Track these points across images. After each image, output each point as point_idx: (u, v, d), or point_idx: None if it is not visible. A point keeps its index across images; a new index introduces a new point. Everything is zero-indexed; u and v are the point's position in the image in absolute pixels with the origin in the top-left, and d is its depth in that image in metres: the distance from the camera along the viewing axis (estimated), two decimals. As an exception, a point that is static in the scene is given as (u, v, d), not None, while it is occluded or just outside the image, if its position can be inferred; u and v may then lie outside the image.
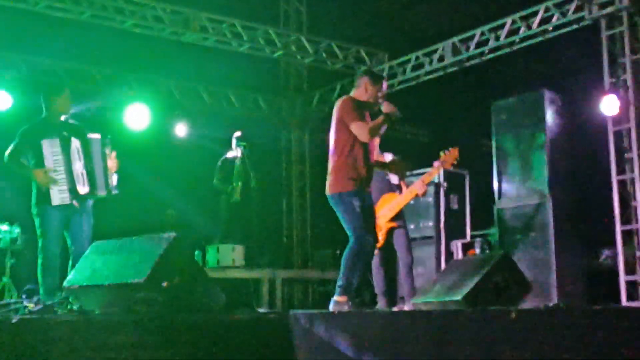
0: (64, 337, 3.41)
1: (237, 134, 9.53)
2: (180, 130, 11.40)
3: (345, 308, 5.18)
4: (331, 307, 5.28)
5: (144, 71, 11.82)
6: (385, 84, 5.75)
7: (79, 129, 6.11)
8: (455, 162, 6.89)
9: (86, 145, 6.00)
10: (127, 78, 11.73)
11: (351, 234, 5.43)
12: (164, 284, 4.28)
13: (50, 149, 5.86)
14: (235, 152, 9.39)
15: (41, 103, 6.09)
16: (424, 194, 7.12)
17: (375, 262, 6.89)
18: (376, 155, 5.88)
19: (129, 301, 4.23)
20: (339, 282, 5.38)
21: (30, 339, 3.35)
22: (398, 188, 7.12)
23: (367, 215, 5.50)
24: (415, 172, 9.87)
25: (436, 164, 6.95)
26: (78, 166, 5.93)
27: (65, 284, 4.85)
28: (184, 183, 10.80)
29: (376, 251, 6.88)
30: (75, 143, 5.95)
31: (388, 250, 7.02)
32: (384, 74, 9.52)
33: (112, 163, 6.14)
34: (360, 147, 5.51)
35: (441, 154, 6.89)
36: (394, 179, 7.10)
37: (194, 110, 12.15)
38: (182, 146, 11.30)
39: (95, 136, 6.12)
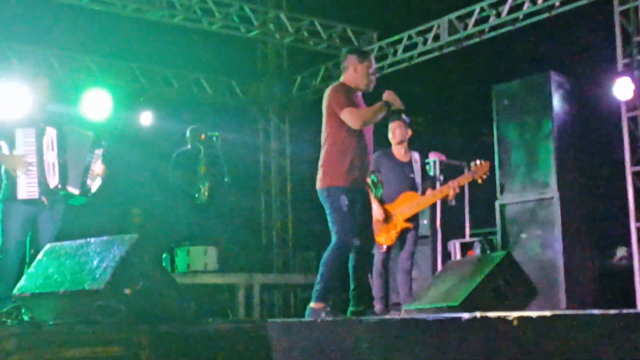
0: (13, 351, 3.39)
1: (193, 127, 9.59)
2: (146, 119, 11.37)
3: (322, 315, 5.22)
4: (307, 315, 5.35)
5: (104, 53, 11.77)
6: (373, 59, 5.79)
7: (60, 121, 6.16)
8: (485, 176, 7.18)
9: (63, 137, 6.06)
10: (85, 61, 11.69)
11: (334, 234, 5.47)
12: (126, 291, 4.27)
13: (24, 138, 5.95)
14: (189, 146, 9.50)
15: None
16: (453, 197, 7.25)
17: (379, 262, 7.14)
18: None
19: (86, 310, 4.22)
20: (316, 287, 5.44)
21: (-25, 353, 3.33)
22: (421, 188, 7.30)
23: (357, 216, 5.52)
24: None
25: (467, 174, 7.23)
26: (50, 156, 6.01)
27: (15, 291, 4.83)
28: (150, 178, 10.76)
29: (383, 250, 7.07)
30: (50, 133, 6.03)
31: (396, 251, 7.22)
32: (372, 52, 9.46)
33: (98, 167, 6.25)
34: (353, 139, 5.54)
35: (472, 164, 7.18)
36: (417, 177, 7.31)
37: (161, 97, 12.14)
38: (147, 137, 11.26)
39: (88, 133, 6.29)
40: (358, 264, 5.55)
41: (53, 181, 5.99)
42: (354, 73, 5.69)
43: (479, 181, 7.26)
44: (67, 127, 6.18)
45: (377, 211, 7.02)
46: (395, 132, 7.33)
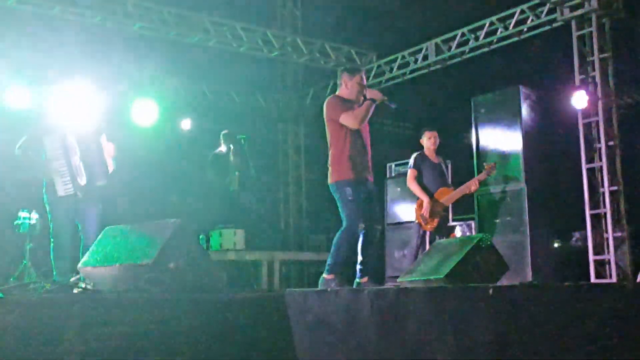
0: (78, 314, 3.41)
1: (225, 131, 9.61)
2: (185, 124, 11.40)
3: (332, 285, 5.24)
4: (320, 284, 5.37)
5: (152, 70, 11.78)
6: (364, 74, 5.74)
7: (76, 125, 6.06)
8: (494, 172, 7.58)
9: (80, 139, 5.96)
10: (136, 77, 11.69)
11: (344, 220, 5.46)
12: (171, 266, 4.28)
13: (51, 145, 5.86)
14: (223, 148, 9.49)
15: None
16: (477, 191, 7.61)
17: (418, 244, 7.30)
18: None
19: (138, 281, 4.23)
20: (328, 262, 5.46)
21: (48, 315, 3.34)
22: (450, 184, 7.50)
23: (362, 203, 5.48)
24: (402, 162, 9.92)
25: (485, 172, 7.50)
26: (75, 160, 5.91)
27: (80, 265, 4.85)
28: (189, 172, 10.78)
29: (426, 234, 7.26)
30: (71, 138, 5.92)
31: (435, 235, 7.28)
32: (364, 68, 9.40)
33: (107, 150, 6.09)
34: (352, 139, 5.51)
35: (485, 165, 7.62)
36: (447, 176, 7.59)
37: (198, 106, 12.14)
38: (186, 139, 11.29)
39: (88, 129, 6.08)
40: (364, 243, 5.50)
41: (82, 180, 5.90)
42: (345, 88, 5.66)
43: (492, 175, 7.65)
44: (77, 132, 5.98)
45: (427, 205, 7.16)
46: (431, 139, 7.46)
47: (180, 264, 4.32)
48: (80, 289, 4.47)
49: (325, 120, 5.63)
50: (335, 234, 5.51)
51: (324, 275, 5.42)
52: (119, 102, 10.88)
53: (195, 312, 3.82)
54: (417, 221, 7.36)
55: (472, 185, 7.35)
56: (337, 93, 5.73)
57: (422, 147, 7.55)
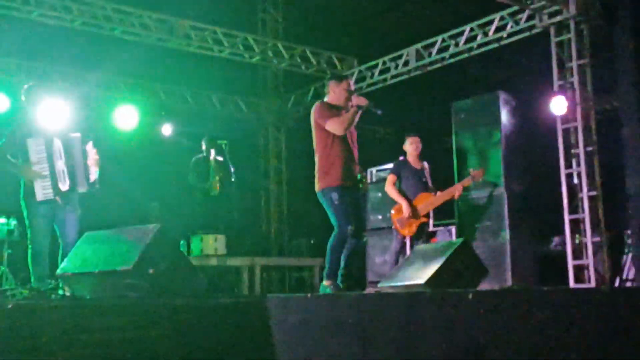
0: (56, 321, 3.38)
1: (206, 138, 9.62)
2: (166, 130, 11.37)
3: (328, 290, 5.30)
4: (320, 290, 5.48)
5: (132, 75, 11.74)
6: (351, 81, 5.79)
7: (62, 129, 6.00)
8: (480, 179, 7.63)
9: (67, 144, 5.90)
10: (116, 81, 11.66)
11: (334, 225, 5.51)
12: (150, 271, 4.26)
13: (35, 148, 5.78)
14: (205, 153, 9.48)
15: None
16: (459, 197, 7.63)
17: (397, 250, 7.30)
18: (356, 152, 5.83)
19: (117, 287, 4.21)
20: (325, 268, 5.54)
21: (26, 322, 3.31)
22: (433, 190, 7.46)
23: (348, 207, 5.53)
24: (383, 167, 9.95)
25: (470, 177, 7.53)
26: (59, 164, 5.84)
27: (58, 271, 4.82)
28: (170, 178, 10.74)
29: (406, 239, 7.27)
30: (57, 142, 5.86)
31: (415, 241, 7.30)
32: (349, 75, 9.41)
33: (92, 160, 6.02)
34: (337, 145, 5.55)
35: (470, 170, 7.59)
36: (429, 181, 7.48)
37: (179, 111, 12.11)
38: (167, 144, 11.26)
39: (76, 135, 6.00)
40: (349, 250, 5.54)
41: (64, 186, 5.83)
42: (333, 94, 5.71)
43: (477, 182, 7.70)
44: (64, 136, 5.93)
45: (405, 209, 7.11)
46: (413, 145, 7.49)
47: (160, 269, 4.31)
48: (59, 296, 4.44)
49: (312, 125, 5.66)
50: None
51: (324, 281, 5.52)
52: (99, 106, 10.86)
53: (176, 318, 3.81)
54: (394, 226, 7.39)
55: (456, 191, 7.39)
56: (324, 99, 5.77)
57: (404, 153, 7.59)
